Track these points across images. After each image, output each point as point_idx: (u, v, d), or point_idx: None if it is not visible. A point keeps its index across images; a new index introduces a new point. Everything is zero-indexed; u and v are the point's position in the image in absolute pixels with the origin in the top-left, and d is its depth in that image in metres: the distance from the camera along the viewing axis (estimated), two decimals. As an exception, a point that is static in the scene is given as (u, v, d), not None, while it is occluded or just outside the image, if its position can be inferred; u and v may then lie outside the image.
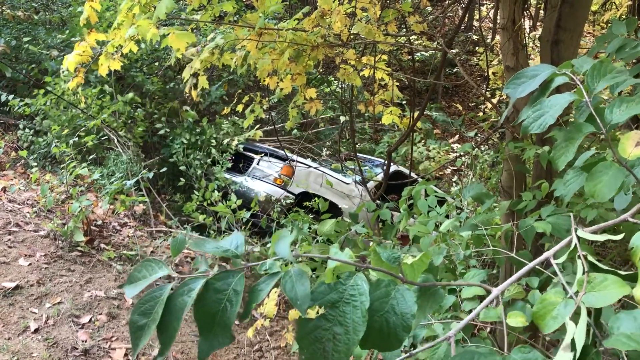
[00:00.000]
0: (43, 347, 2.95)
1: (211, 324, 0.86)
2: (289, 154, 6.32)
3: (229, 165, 6.19)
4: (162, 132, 6.38)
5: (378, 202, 3.82)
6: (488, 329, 2.13)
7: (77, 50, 2.97)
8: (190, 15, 3.63)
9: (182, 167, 6.10)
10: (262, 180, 6.12)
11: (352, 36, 3.31)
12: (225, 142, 6.46)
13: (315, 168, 6.15)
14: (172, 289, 0.87)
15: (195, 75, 3.31)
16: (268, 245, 4.65)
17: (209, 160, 6.23)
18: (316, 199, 4.59)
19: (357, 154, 5.62)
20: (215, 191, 5.12)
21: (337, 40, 3.26)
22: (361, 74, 3.80)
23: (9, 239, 4.00)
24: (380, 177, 6.30)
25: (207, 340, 0.86)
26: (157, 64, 7.21)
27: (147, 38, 2.71)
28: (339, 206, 6.06)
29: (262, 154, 6.42)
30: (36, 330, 3.07)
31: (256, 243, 4.98)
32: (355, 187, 6.38)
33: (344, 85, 5.61)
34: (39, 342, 2.99)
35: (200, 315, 0.86)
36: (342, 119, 6.99)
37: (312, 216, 4.73)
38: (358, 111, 4.95)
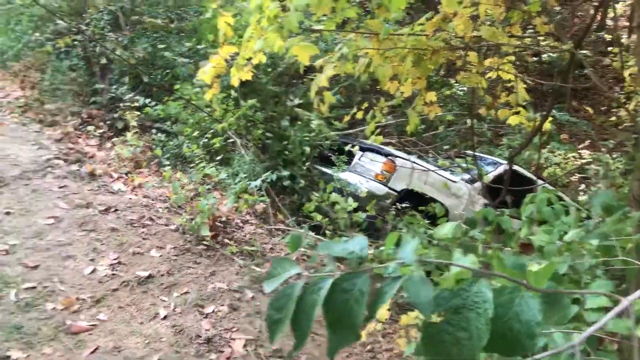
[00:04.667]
0: (171, 333, 3.18)
1: (338, 323, 0.90)
2: (392, 149, 6.23)
3: (344, 167, 6.26)
4: (282, 132, 6.60)
5: (490, 204, 3.69)
6: (615, 347, 2.01)
7: (211, 63, 3.16)
8: (314, 24, 3.73)
9: (298, 168, 6.26)
10: (363, 175, 6.07)
11: (474, 39, 3.25)
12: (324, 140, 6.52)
13: (419, 164, 5.96)
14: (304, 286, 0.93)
15: (320, 90, 3.40)
16: (381, 248, 4.66)
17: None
18: (432, 204, 4.53)
19: (469, 152, 5.46)
20: (333, 193, 5.21)
21: (459, 43, 3.22)
22: (485, 76, 3.72)
23: (143, 232, 4.34)
24: (491, 175, 6.05)
25: (335, 338, 0.91)
26: (278, 69, 7.48)
27: (274, 50, 2.83)
28: (444, 204, 5.81)
29: (363, 149, 6.33)
30: (165, 317, 3.30)
31: (370, 245, 5.01)
32: (463, 186, 6.18)
33: (465, 88, 5.49)
34: (167, 328, 3.22)
35: (329, 313, 0.91)
36: (468, 122, 6.81)
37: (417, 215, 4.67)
38: (479, 114, 4.83)
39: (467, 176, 6.28)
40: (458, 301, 0.91)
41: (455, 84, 8.26)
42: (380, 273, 0.97)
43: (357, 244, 0.97)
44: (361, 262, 0.94)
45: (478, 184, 5.98)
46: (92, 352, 2.95)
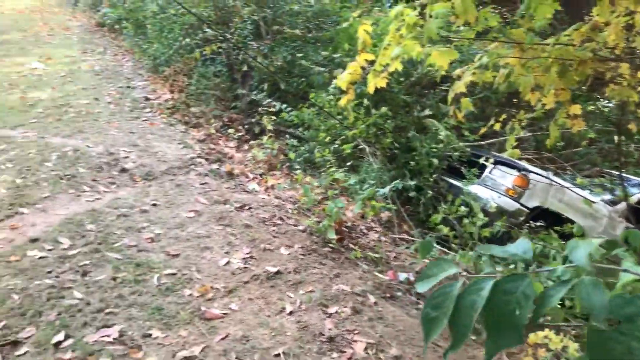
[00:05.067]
0: (295, 328, 3.29)
1: (499, 324, 0.89)
2: (526, 164, 5.97)
3: (474, 180, 6.11)
4: (410, 142, 6.59)
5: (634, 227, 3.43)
6: None
7: (348, 70, 3.25)
8: (453, 33, 3.70)
9: (424, 179, 6.21)
10: (493, 189, 5.86)
11: (627, 49, 3.05)
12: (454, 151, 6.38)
13: (555, 182, 5.65)
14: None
15: (457, 97, 3.37)
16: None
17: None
18: (569, 224, 4.29)
19: (613, 172, 5.10)
20: (462, 206, 5.12)
21: (609, 54, 3.04)
22: (637, 90, 3.47)
23: (274, 230, 4.54)
24: (637, 197, 5.60)
25: (495, 340, 0.90)
26: (411, 79, 7.47)
27: (412, 56, 2.85)
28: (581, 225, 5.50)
29: (495, 162, 6.10)
30: (291, 313, 3.42)
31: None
32: (603, 207, 5.77)
33: (610, 104, 5.15)
34: (292, 323, 3.33)
35: (489, 314, 0.90)
36: (615, 139, 6.38)
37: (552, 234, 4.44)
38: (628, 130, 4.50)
39: (607, 197, 5.87)
40: (632, 309, 0.87)
41: (600, 99, 7.77)
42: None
43: (521, 246, 0.96)
44: (526, 264, 0.94)
45: (620, 206, 5.58)
46: (223, 339, 3.13)
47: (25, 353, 2.95)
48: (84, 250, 3.92)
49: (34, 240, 4.01)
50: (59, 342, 3.02)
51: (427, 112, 6.94)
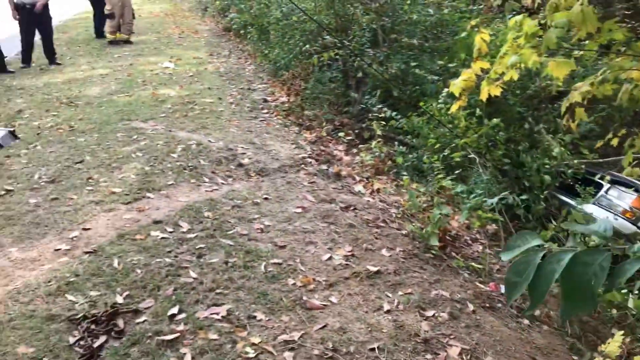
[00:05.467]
0: (392, 327, 3.37)
1: (575, 291, 0.98)
2: None
3: (590, 200, 5.86)
4: (521, 157, 6.44)
5: None
6: None
7: (462, 77, 3.30)
8: (573, 44, 3.63)
9: (534, 195, 6.04)
10: (609, 210, 5.56)
11: None
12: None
13: None
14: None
15: (572, 107, 3.31)
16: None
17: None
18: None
19: None
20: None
21: None
22: None
23: (376, 232, 4.64)
24: None
25: (570, 304, 0.99)
26: (527, 92, 7.29)
27: (528, 65, 2.85)
28: None
29: (613, 182, 5.80)
30: (388, 311, 3.51)
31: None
32: None
33: None
34: (388, 322, 3.41)
35: (566, 282, 0.99)
36: None
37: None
38: None
39: None
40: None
41: None
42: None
43: (602, 225, 1.03)
44: (605, 241, 1.00)
45: None
46: (321, 328, 3.27)
47: (144, 321, 3.26)
48: (200, 234, 4.24)
49: (157, 222, 4.40)
50: (174, 315, 3.31)
51: (541, 126, 6.74)
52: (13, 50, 11.53)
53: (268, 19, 11.64)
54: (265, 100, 8.53)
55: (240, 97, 8.59)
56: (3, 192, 4.97)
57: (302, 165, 5.94)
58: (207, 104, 7.89)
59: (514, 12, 3.77)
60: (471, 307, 3.77)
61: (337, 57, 9.00)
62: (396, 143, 7.32)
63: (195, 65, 10.70)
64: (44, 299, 3.42)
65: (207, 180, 5.29)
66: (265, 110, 8.04)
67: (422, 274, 4.06)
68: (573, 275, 0.97)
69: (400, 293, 3.75)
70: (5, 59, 10.56)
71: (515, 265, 1.02)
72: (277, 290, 3.62)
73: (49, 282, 3.61)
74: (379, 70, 8.15)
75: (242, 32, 13.57)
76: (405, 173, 6.42)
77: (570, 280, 0.97)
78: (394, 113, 7.32)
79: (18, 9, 10.41)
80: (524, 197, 5.97)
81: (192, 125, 6.86)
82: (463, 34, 7.48)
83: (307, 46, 9.06)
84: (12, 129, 6.60)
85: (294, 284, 3.71)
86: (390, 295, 3.71)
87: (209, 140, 6.30)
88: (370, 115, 7.68)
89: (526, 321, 3.91)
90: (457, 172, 6.31)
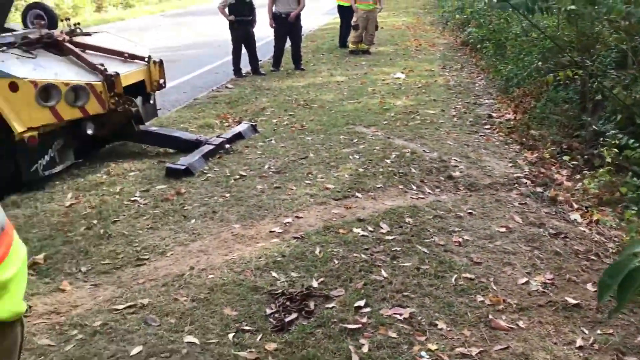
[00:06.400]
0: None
1: None
2: None
3: None
4: None
5: None
6: None
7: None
8: None
9: None
10: None
11: None
12: None
13: None
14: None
15: None
16: None
17: None
18: None
19: None
20: None
21: None
22: None
23: (585, 264, 4.31)
24: None
25: None
26: None
27: None
28: None
29: None
30: (580, 348, 3.26)
31: None
32: None
33: None
34: (578, 358, 3.18)
35: None
36: None
37: None
38: None
39: None
40: None
41: None
42: None
43: None
44: None
45: None
46: (502, 349, 3.19)
47: (332, 307, 3.53)
48: (398, 238, 4.39)
49: (360, 220, 4.67)
50: (359, 307, 3.52)
51: None
52: (266, 55, 13.01)
53: (506, 34, 11.37)
54: (490, 116, 8.37)
55: (464, 111, 8.56)
56: (237, 177, 5.71)
57: (516, 185, 5.74)
58: (429, 115, 8.02)
59: None
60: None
61: (576, 77, 8.42)
62: (630, 174, 6.61)
63: (425, 77, 10.91)
64: (252, 272, 3.89)
65: (414, 188, 5.42)
66: (488, 126, 7.90)
67: (629, 316, 3.68)
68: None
69: (598, 332, 3.46)
70: (259, 62, 11.96)
71: (610, 268, 0.99)
72: (463, 304, 3.61)
73: (260, 258, 4.08)
74: (621, 94, 7.44)
75: (478, 46, 13.43)
76: (636, 208, 5.79)
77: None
78: (631, 141, 6.62)
79: (275, 18, 11.72)
80: None
81: (410, 134, 7.06)
82: None
83: (542, 64, 8.65)
84: (254, 124, 7.50)
85: (483, 301, 3.66)
86: (586, 332, 3.44)
87: (424, 150, 6.43)
88: (603, 140, 7.06)
89: None
90: None
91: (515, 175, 5.98)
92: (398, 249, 4.23)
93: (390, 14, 24.09)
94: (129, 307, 3.58)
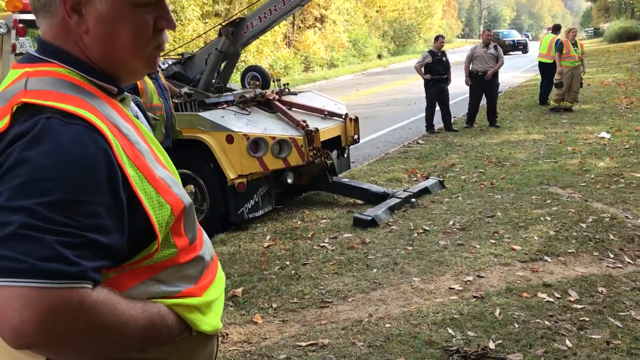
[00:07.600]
0: None
1: None
2: None
3: None
4: None
5: None
6: None
7: None
8: None
9: None
10: None
11: None
12: None
13: None
14: None
15: None
16: None
17: None
18: None
19: None
20: None
21: None
22: None
23: None
24: None
25: None
26: None
27: None
28: None
29: None
30: None
31: None
32: None
33: None
34: None
35: None
36: None
37: None
38: None
39: None
40: None
41: None
42: None
43: None
44: None
45: None
46: None
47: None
48: (588, 307, 4.11)
49: (547, 285, 4.45)
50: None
51: None
52: (460, 112, 13.04)
53: None
54: None
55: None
56: (421, 231, 5.81)
57: None
58: (636, 179, 7.36)
59: None
60: None
61: None
62: None
63: (635, 138, 10.04)
64: (429, 326, 3.93)
65: (611, 255, 5.01)
66: None
67: None
68: None
69: None
70: (452, 119, 12.06)
71: None
72: None
73: (437, 313, 4.11)
74: None
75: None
76: None
77: None
78: None
79: (472, 76, 11.80)
80: None
81: (611, 198, 6.55)
82: None
83: None
84: (441, 179, 7.57)
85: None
86: None
87: (626, 216, 5.92)
88: None
89: None
90: None
91: None
92: (587, 319, 3.95)
93: (599, 69, 22.65)
94: (311, 344, 3.84)
